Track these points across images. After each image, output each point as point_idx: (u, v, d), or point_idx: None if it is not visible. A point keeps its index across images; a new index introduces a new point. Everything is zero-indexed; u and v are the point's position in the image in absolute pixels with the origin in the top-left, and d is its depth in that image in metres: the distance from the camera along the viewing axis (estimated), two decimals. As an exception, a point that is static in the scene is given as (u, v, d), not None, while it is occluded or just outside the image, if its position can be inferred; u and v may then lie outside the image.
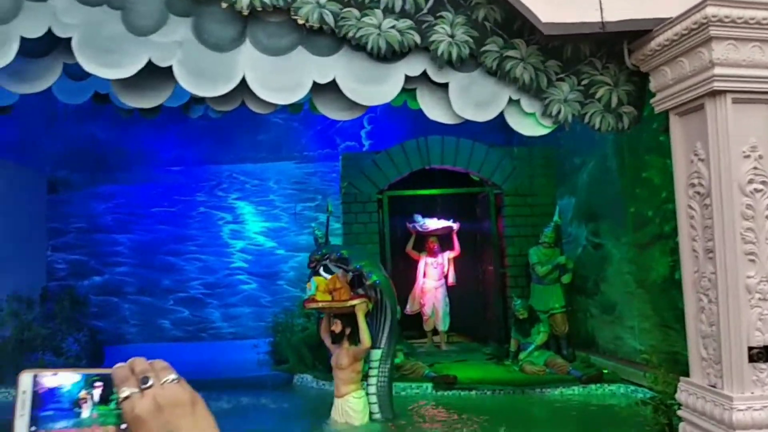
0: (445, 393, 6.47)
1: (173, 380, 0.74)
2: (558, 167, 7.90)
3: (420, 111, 3.99)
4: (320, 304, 5.13)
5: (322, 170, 9.34)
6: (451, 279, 8.74)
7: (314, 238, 7.61)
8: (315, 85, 3.59)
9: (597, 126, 3.70)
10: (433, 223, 8.56)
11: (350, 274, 5.17)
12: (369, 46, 3.48)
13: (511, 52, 3.61)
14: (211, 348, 9.09)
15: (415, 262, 8.62)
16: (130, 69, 3.36)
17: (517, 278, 7.95)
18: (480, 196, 8.28)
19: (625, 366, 6.36)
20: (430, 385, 6.58)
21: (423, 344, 8.69)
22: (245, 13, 3.38)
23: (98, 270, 9.11)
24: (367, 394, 5.17)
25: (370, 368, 5.21)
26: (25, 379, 0.73)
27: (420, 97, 3.73)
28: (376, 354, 5.12)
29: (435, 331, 8.72)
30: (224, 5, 3.37)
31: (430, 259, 8.57)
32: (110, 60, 3.34)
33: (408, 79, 3.64)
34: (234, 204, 9.39)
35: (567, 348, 7.35)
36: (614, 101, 3.67)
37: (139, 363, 0.76)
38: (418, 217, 8.45)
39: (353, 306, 4.94)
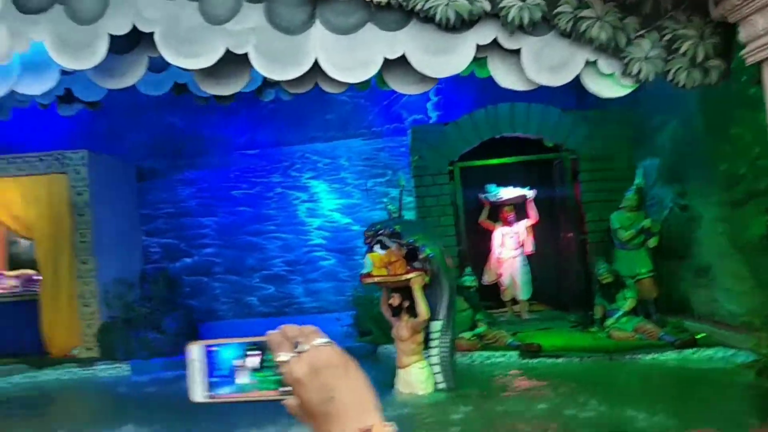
0: (531, 361, 6.44)
1: (325, 343, 0.76)
2: (636, 128, 7.53)
3: (488, 79, 3.93)
4: (376, 279, 5.15)
5: (391, 145, 9.39)
6: (528, 248, 8.61)
7: (387, 213, 7.71)
8: (385, 60, 3.61)
9: (682, 83, 3.51)
10: (507, 192, 8.42)
11: (405, 248, 5.09)
12: (438, 17, 3.45)
13: (585, 12, 3.47)
14: (296, 322, 9.19)
15: (490, 233, 8.54)
16: (209, 58, 3.52)
17: (598, 244, 7.72)
18: (555, 162, 8.05)
19: (722, 330, 6.07)
20: (515, 353, 6.57)
21: (503, 314, 8.66)
22: (315, -6, 3.44)
23: (188, 252, 9.66)
24: (431, 364, 5.20)
25: (431, 339, 5.21)
26: (196, 349, 0.79)
27: (491, 65, 3.68)
28: (437, 325, 5.12)
29: (514, 301, 8.66)
30: (294, -12, 3.44)
31: (505, 229, 8.46)
32: (191, 51, 3.51)
33: (478, 47, 3.59)
34: (308, 183, 9.64)
35: (655, 313, 7.10)
36: (700, 55, 3.46)
37: (291, 329, 0.78)
38: (492, 187, 8.34)
39: (409, 280, 4.94)
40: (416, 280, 4.90)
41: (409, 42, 3.53)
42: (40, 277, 8.45)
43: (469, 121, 7.83)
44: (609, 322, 6.85)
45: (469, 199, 8.09)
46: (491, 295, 8.56)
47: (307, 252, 9.73)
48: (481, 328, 6.95)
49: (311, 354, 0.74)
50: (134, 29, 3.52)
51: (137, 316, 8.36)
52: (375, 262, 5.08)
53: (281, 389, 0.77)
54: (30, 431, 5.23)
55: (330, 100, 8.76)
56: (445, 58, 3.54)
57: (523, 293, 8.50)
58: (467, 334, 6.88)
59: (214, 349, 0.79)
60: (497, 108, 7.73)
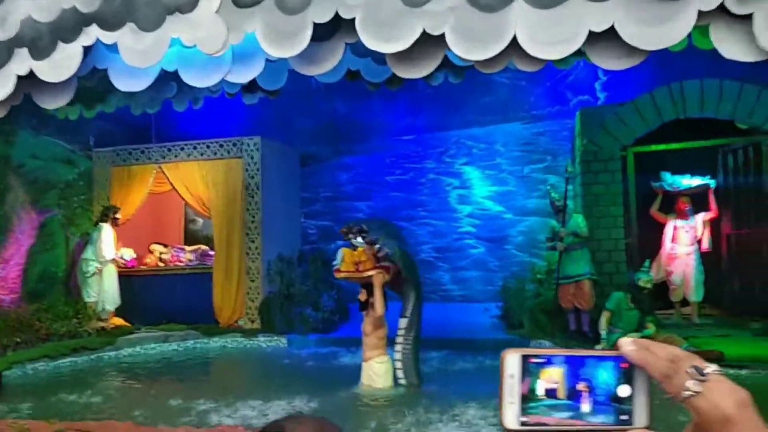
0: (711, 370, 5.83)
1: (717, 370, 0.62)
2: None
3: (664, 55, 3.48)
4: (343, 274, 5.34)
5: (553, 129, 8.96)
6: (705, 244, 7.78)
7: (551, 201, 7.36)
8: (589, 33, 3.35)
9: None
10: (685, 181, 7.64)
11: (375, 246, 5.20)
12: (656, -16, 3.13)
13: (843, -34, 2.95)
14: (443, 309, 9.45)
15: (663, 226, 7.83)
16: (407, 41, 3.51)
17: (797, 243, 6.75)
18: (748, 148, 7.13)
19: None
20: (691, 360, 5.98)
21: (669, 316, 7.93)
22: (518, -33, 3.27)
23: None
24: (393, 360, 5.31)
25: (396, 335, 5.30)
26: (512, 360, 0.63)
27: (714, 34, 3.26)
28: (402, 322, 5.26)
29: (683, 302, 7.89)
30: (496, -37, 3.30)
31: (680, 222, 7.70)
32: (390, 34, 3.52)
33: (700, 14, 3.19)
34: (461, 169, 9.54)
35: None
36: None
37: (658, 347, 0.64)
38: (666, 175, 7.61)
39: (371, 276, 5.09)
40: (376, 278, 5.03)
41: (620, 11, 3.24)
42: (213, 253, 9.26)
43: (650, 100, 7.17)
44: (808, 332, 5.97)
45: (642, 188, 7.46)
46: (658, 294, 7.87)
47: (457, 239, 9.67)
48: (650, 330, 6.42)
49: (725, 384, 0.61)
50: (336, 16, 3.61)
51: (296, 293, 8.86)
52: (345, 257, 5.16)
53: (621, 419, 0.62)
54: (203, 393, 5.74)
55: (488, 83, 8.56)
56: (660, 28, 3.20)
57: (695, 294, 7.71)
58: (634, 336, 6.38)
59: (534, 361, 0.63)
60: (683, 85, 7.00)
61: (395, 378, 5.43)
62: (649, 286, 6.44)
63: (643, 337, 6.27)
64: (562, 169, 8.83)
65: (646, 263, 6.68)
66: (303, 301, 8.85)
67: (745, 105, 6.84)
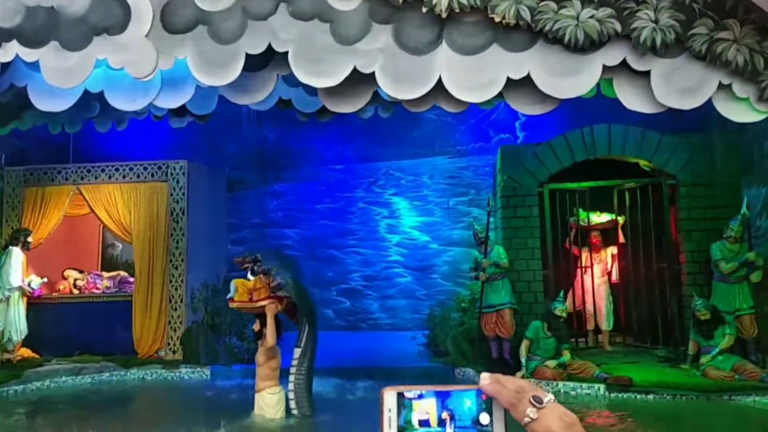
0: (620, 396, 6.21)
1: (553, 400, 0.77)
2: (743, 154, 7.18)
3: (577, 100, 3.82)
4: (236, 304, 5.40)
5: (476, 164, 9.37)
6: (614, 276, 8.34)
7: (474, 233, 7.66)
8: (507, 80, 3.62)
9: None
10: (596, 217, 8.20)
11: (269, 276, 5.28)
12: (566, 38, 3.44)
13: (722, 34, 3.37)
14: (371, 337, 9.52)
15: (576, 258, 8.33)
16: (338, 77, 3.64)
17: (695, 275, 7.36)
18: (651, 187, 7.77)
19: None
20: (602, 386, 6.35)
21: (582, 343, 8.38)
22: (444, 15, 3.50)
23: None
24: (286, 390, 5.35)
25: (291, 365, 5.34)
26: (390, 396, 0.73)
27: (617, 87, 3.62)
28: (296, 352, 5.32)
29: (596, 330, 8.38)
30: (424, 9, 3.52)
31: (591, 255, 8.24)
32: (321, 69, 3.64)
33: (605, 68, 3.54)
34: (390, 199, 9.74)
35: (755, 353, 6.70)
36: None
37: (508, 381, 0.78)
38: (579, 211, 8.14)
39: (263, 307, 5.16)
40: (269, 308, 5.10)
41: (535, 63, 3.53)
42: (133, 279, 8.89)
43: (564, 141, 7.71)
44: (704, 359, 6.49)
45: (556, 223, 7.93)
46: (572, 323, 8.31)
47: (385, 268, 9.80)
48: (565, 357, 6.76)
49: (558, 410, 0.75)
50: (269, 48, 3.70)
51: (221, 322, 8.64)
52: (239, 287, 5.32)
53: None
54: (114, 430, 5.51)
55: (417, 117, 8.81)
56: (571, 79, 3.52)
57: (606, 323, 8.22)
58: (551, 363, 6.71)
59: (409, 396, 0.74)
60: (593, 129, 7.58)
61: (288, 408, 5.44)
62: (564, 314, 6.81)
63: (559, 364, 6.63)
64: (484, 202, 9.21)
65: (561, 294, 7.07)
66: (228, 330, 8.64)
67: (647, 149, 7.48)
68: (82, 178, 8.80)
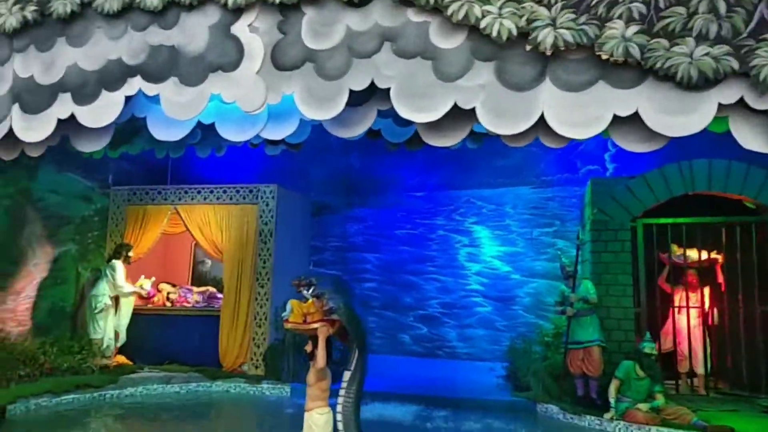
0: (720, 446, 5.80)
1: None
2: None
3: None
4: (290, 325, 5.36)
5: (561, 195, 9.15)
6: (711, 317, 7.83)
7: (561, 266, 7.45)
8: (614, 116, 3.54)
9: None
10: (693, 254, 7.75)
11: (324, 300, 5.22)
12: (678, 76, 3.33)
13: None
14: (447, 366, 9.42)
15: (670, 296, 7.89)
16: (438, 112, 3.70)
17: (804, 322, 6.80)
18: (755, 225, 7.28)
19: None
20: (699, 434, 5.96)
21: (673, 387, 7.88)
22: (548, 52, 3.48)
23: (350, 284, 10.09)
24: (335, 412, 5.22)
25: (340, 388, 5.25)
26: None
27: (733, 125, 3.44)
28: (345, 375, 5.23)
29: (690, 373, 7.87)
30: (528, 47, 3.52)
31: (685, 294, 7.78)
32: (422, 105, 3.71)
33: (720, 107, 3.39)
34: (471, 228, 9.68)
35: None
36: None
37: None
38: (674, 247, 7.74)
39: (315, 329, 5.10)
40: (321, 330, 5.04)
41: (644, 100, 3.43)
42: (221, 295, 9.30)
43: (659, 175, 7.39)
44: (818, 412, 5.95)
45: (650, 259, 7.57)
46: (665, 365, 7.85)
47: (464, 296, 9.70)
48: (659, 401, 6.40)
49: None
50: (371, 84, 3.81)
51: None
52: (294, 308, 5.29)
53: None
54: None
55: (503, 147, 8.72)
56: (683, 117, 3.39)
57: (702, 367, 7.70)
58: (644, 406, 6.37)
59: None
60: (692, 163, 7.23)
61: (335, 430, 5.51)
62: (654, 353, 6.48)
63: (652, 408, 6.28)
64: (569, 233, 8.99)
65: (647, 334, 6.75)
66: (307, 349, 8.79)
67: (751, 185, 7.03)
68: (179, 199, 9.36)
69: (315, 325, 5.51)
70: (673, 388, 7.71)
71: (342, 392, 5.54)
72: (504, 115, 3.63)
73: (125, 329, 8.74)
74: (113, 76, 4.33)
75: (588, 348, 7.01)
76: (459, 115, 3.79)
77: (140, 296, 9.05)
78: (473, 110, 3.69)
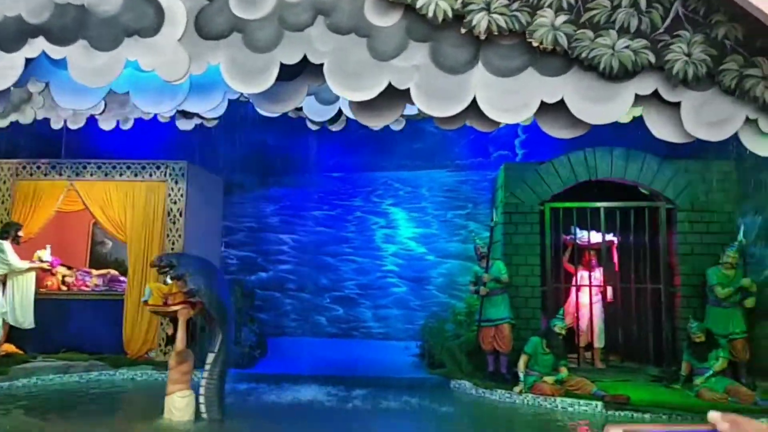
0: (616, 413, 6.29)
1: None
2: (740, 182, 7.38)
3: None
4: (149, 307, 5.56)
5: (474, 178, 9.44)
6: (608, 295, 8.46)
7: (475, 247, 7.71)
8: (540, 103, 3.67)
9: None
10: (592, 236, 8.32)
11: (185, 281, 5.29)
12: (601, 66, 3.51)
13: (751, 71, 3.47)
14: (363, 346, 9.50)
15: (572, 276, 8.43)
16: (372, 92, 3.65)
17: (690, 298, 7.52)
18: (648, 210, 7.92)
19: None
20: (599, 403, 6.43)
21: (574, 360, 8.46)
22: (482, 36, 3.54)
23: (264, 266, 9.86)
24: (197, 394, 5.40)
25: (204, 370, 5.43)
26: None
27: (647, 116, 3.70)
28: (209, 357, 5.39)
29: (587, 347, 8.48)
30: (463, 30, 3.55)
31: (586, 273, 8.35)
32: (356, 84, 3.65)
33: (637, 97, 3.61)
34: (388, 209, 9.75)
35: (747, 376, 6.86)
36: None
37: (750, 424, 0.75)
38: (576, 229, 8.25)
39: (176, 311, 5.31)
40: (181, 312, 5.19)
41: (569, 88, 3.59)
42: (124, 279, 8.73)
43: (566, 161, 7.82)
44: (699, 380, 6.62)
45: (556, 241, 8.02)
46: (565, 339, 8.38)
47: (380, 277, 9.79)
48: (563, 374, 6.84)
49: None
50: (303, 59, 3.69)
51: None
52: (154, 291, 5.42)
53: None
54: (103, 429, 5.49)
55: (419, 130, 8.88)
56: (603, 105, 3.59)
57: (598, 340, 8.32)
58: (550, 379, 6.78)
59: None
60: (595, 151, 7.71)
61: (198, 411, 5.44)
62: (563, 332, 6.89)
63: (557, 380, 6.69)
64: (480, 216, 9.32)
65: (561, 311, 7.14)
66: (219, 334, 8.51)
67: (647, 173, 7.64)
68: (77, 174, 8.63)
69: (175, 308, 5.36)
70: (574, 362, 8.27)
71: (205, 374, 5.41)
72: (438, 97, 3.65)
73: (30, 313, 7.95)
74: (11, 34, 3.87)
75: (499, 325, 7.33)
76: (393, 94, 3.77)
77: (43, 270, 8.24)
78: (407, 91, 3.69)
